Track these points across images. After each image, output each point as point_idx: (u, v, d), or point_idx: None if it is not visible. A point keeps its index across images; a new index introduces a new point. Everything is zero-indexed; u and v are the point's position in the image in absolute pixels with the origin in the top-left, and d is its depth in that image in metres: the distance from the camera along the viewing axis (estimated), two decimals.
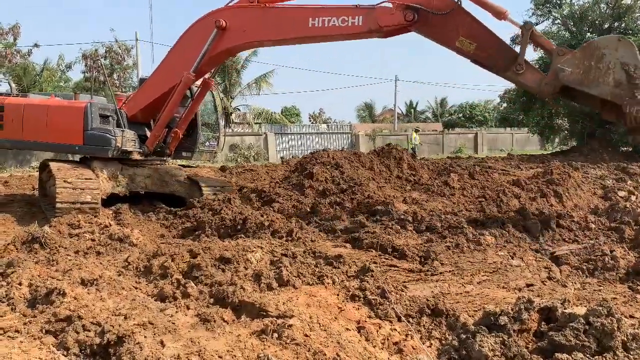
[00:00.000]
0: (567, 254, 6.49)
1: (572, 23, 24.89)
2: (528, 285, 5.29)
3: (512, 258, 6.35)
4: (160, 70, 10.16)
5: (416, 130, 32.08)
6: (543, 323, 3.29)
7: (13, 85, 14.26)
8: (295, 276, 4.86)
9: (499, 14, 7.57)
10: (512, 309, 3.34)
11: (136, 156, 10.18)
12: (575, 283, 5.48)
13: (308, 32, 8.58)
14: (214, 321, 3.84)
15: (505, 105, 31.99)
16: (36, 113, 10.33)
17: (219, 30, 9.05)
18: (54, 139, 10.12)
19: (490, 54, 7.78)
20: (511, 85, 27.26)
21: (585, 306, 3.55)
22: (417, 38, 8.88)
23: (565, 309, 3.31)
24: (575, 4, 24.90)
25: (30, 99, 11.15)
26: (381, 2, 8.08)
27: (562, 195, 10.07)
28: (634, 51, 7.10)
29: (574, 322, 3.10)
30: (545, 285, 5.36)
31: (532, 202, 9.59)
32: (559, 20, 25.62)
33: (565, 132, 28.15)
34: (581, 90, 7.45)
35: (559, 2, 26.04)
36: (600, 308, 3.15)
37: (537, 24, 26.41)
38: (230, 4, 9.19)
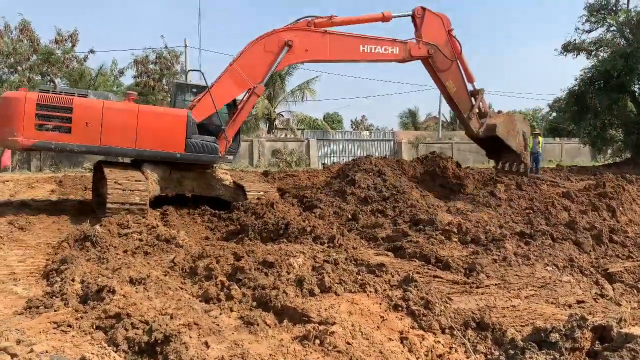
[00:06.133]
0: (621, 271, 6.20)
1: (628, 30, 23.85)
2: (579, 302, 5.07)
3: (562, 273, 6.13)
4: (225, 81, 10.69)
5: (536, 134, 19.49)
6: (597, 342, 3.15)
7: (56, 81, 13.79)
8: (337, 283, 4.85)
9: (471, 78, 12.62)
10: (564, 326, 3.20)
11: (229, 159, 11.29)
12: (630, 302, 5.22)
13: (358, 56, 11.53)
14: (257, 324, 3.88)
15: (554, 114, 30.94)
16: (122, 118, 9.83)
17: (288, 48, 10.68)
18: (148, 146, 9.88)
19: (462, 99, 12.52)
20: (561, 94, 26.52)
21: None
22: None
23: (621, 328, 3.15)
24: (633, 10, 23.79)
25: (109, 102, 10.33)
26: (410, 39, 11.96)
27: (616, 209, 9.63)
28: (527, 125, 13.48)
29: (630, 343, 2.94)
30: (597, 302, 5.13)
31: (583, 215, 9.20)
32: (614, 27, 24.60)
33: (619, 143, 26.93)
34: (502, 140, 12.36)
35: (614, 9, 25.03)
36: None
37: (590, 31, 25.58)
38: (290, 26, 11.07)
